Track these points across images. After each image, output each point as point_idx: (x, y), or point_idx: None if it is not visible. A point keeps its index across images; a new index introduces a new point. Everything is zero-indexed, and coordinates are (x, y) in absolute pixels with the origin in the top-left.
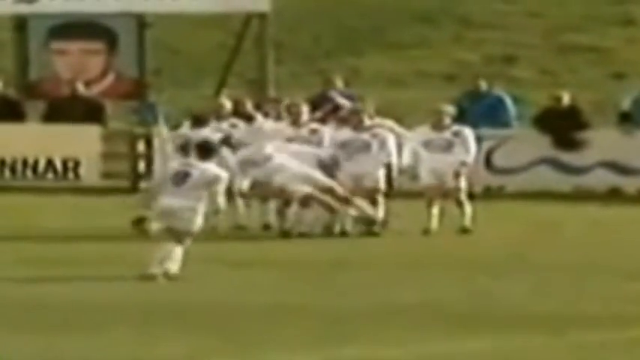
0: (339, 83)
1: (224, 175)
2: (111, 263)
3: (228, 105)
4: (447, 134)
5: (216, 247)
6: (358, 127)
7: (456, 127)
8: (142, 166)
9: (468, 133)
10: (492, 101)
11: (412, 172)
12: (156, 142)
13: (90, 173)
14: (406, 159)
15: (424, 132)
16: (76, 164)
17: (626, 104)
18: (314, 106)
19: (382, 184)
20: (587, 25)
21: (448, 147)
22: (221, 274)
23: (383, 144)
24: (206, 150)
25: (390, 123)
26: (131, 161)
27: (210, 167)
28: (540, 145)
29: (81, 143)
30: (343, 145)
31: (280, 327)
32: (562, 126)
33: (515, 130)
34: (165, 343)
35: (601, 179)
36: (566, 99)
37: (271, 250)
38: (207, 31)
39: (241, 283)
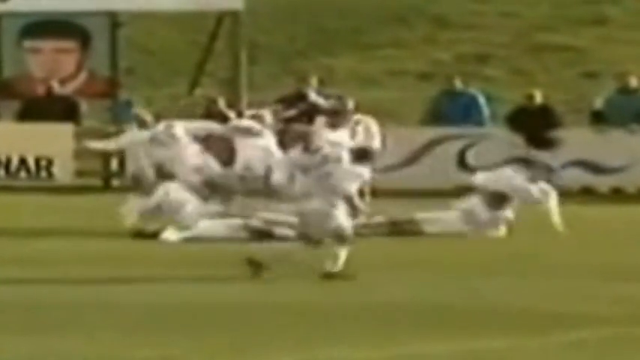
0: (314, 82)
1: None
2: (85, 262)
3: (148, 117)
4: None
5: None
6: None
7: None
8: (114, 164)
9: None
10: (466, 100)
11: None
12: None
13: (63, 172)
14: None
15: None
16: (49, 163)
17: (598, 103)
18: (288, 104)
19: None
20: (560, 24)
21: None
22: (202, 274)
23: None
24: None
25: (371, 120)
26: (104, 160)
27: None
28: (513, 144)
29: (54, 142)
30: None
31: (270, 326)
32: (535, 125)
33: (488, 129)
34: (146, 345)
35: (574, 178)
36: (538, 98)
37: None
38: (180, 30)
39: (230, 282)
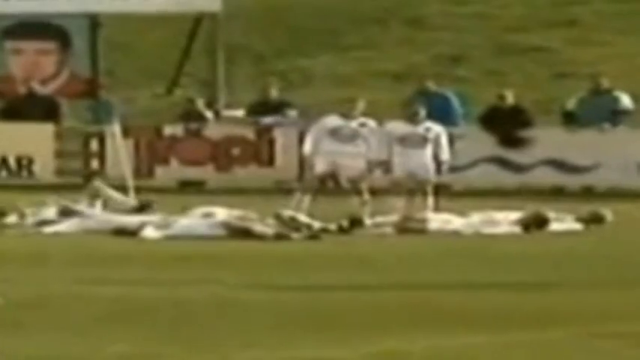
0: (274, 92)
1: None
2: (65, 258)
3: None
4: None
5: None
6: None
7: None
8: (94, 163)
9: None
10: (439, 101)
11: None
12: (109, 141)
13: (44, 171)
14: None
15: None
16: (30, 162)
17: (571, 104)
18: (255, 112)
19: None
20: (532, 26)
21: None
22: (181, 271)
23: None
24: None
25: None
26: (84, 159)
27: None
28: (486, 143)
29: (35, 141)
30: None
31: (250, 324)
32: (507, 125)
33: (461, 129)
34: (124, 340)
35: (545, 177)
36: (510, 98)
37: (235, 247)
38: (159, 31)
39: (196, 278)
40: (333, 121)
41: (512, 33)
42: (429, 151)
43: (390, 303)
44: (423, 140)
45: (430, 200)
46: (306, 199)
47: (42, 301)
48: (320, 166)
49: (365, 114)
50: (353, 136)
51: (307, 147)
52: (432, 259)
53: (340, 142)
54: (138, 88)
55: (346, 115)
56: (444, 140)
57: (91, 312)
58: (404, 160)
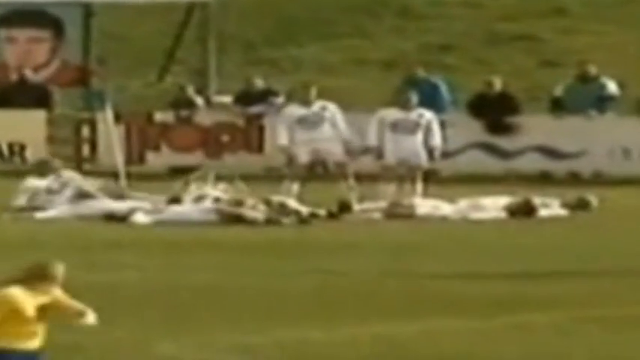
0: (259, 82)
1: None
2: (56, 244)
3: None
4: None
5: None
6: None
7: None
8: (86, 150)
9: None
10: (428, 88)
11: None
12: (101, 128)
13: (36, 157)
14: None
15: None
16: (22, 148)
17: (558, 91)
18: (241, 101)
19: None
20: (521, 15)
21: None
22: (171, 256)
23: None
24: None
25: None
26: (76, 146)
27: None
28: (474, 129)
29: (27, 128)
30: None
31: (232, 308)
32: (494, 111)
33: (449, 115)
34: (107, 326)
35: (532, 163)
36: (497, 85)
37: (214, 233)
38: (151, 19)
39: (179, 264)
40: (295, 110)
41: (502, 22)
42: (420, 137)
43: (379, 287)
44: (414, 126)
45: (419, 186)
46: (295, 186)
47: None
48: (303, 157)
49: (320, 98)
50: (319, 121)
51: (282, 139)
52: (420, 244)
53: (310, 129)
54: (130, 76)
55: (305, 102)
56: (435, 126)
57: (81, 298)
58: (396, 146)
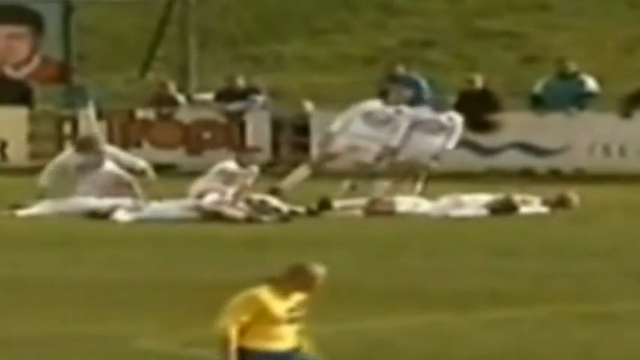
0: (241, 80)
1: None
2: (38, 241)
3: None
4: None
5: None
6: None
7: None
8: (68, 147)
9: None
10: (409, 84)
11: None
12: (82, 124)
13: (17, 154)
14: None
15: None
16: (4, 145)
17: (538, 87)
18: (223, 99)
19: None
20: (503, 10)
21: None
22: (153, 253)
23: None
24: None
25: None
26: (57, 142)
27: None
28: None
29: (8, 125)
30: None
31: (218, 303)
32: (475, 108)
33: None
34: (95, 321)
35: (513, 160)
36: (478, 82)
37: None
38: (133, 15)
39: (161, 260)
40: (371, 105)
41: (483, 18)
42: (440, 139)
43: (358, 283)
44: (439, 128)
45: (419, 186)
46: (347, 183)
47: (15, 284)
48: (337, 146)
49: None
50: (385, 122)
51: (335, 125)
52: (400, 241)
53: (372, 126)
54: (111, 72)
55: (386, 101)
56: (458, 131)
57: (65, 293)
58: (411, 144)
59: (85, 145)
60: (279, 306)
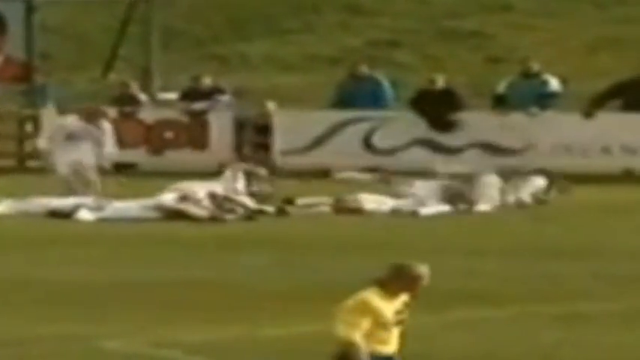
0: (207, 80)
1: None
2: (1, 243)
3: None
4: None
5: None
6: None
7: None
8: (29, 146)
9: None
10: (371, 84)
11: None
12: (45, 123)
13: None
14: None
15: None
16: None
17: (501, 87)
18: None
19: None
20: (469, 11)
21: None
22: (115, 252)
23: None
24: None
25: None
26: (19, 142)
27: None
28: (416, 126)
29: None
30: None
31: (185, 304)
32: (437, 108)
33: (392, 112)
34: (57, 321)
35: (475, 159)
36: (440, 82)
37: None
38: (96, 14)
39: (124, 260)
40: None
41: (450, 18)
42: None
43: (324, 282)
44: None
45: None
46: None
47: None
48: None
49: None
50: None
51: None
52: (366, 238)
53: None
54: (74, 72)
55: None
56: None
57: (28, 294)
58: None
59: (91, 115)
60: (388, 309)
